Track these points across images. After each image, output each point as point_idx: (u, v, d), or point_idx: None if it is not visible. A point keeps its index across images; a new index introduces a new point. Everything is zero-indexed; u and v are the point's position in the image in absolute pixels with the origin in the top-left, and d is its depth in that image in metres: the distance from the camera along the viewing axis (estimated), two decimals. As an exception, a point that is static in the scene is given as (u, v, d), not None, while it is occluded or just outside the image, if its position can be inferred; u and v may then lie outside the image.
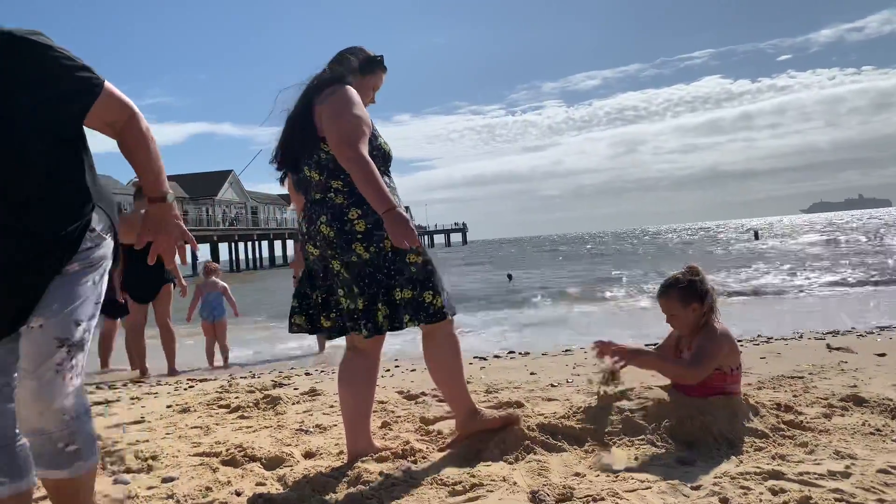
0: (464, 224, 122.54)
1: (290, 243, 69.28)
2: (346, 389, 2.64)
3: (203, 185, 57.28)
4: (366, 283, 2.43)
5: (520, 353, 5.79)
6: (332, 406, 3.64)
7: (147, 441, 3.12)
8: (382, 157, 2.54)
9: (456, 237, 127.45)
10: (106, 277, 1.74)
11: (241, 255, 58.57)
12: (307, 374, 5.13)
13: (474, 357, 5.60)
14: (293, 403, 3.80)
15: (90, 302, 1.66)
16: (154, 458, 2.82)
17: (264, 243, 63.10)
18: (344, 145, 2.33)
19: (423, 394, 3.81)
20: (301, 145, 2.53)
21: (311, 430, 3.18)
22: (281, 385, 4.47)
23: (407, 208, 2.60)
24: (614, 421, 2.62)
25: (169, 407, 3.94)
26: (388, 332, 2.52)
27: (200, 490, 2.41)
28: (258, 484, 2.45)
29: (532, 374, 4.43)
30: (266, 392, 4.08)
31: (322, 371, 5.22)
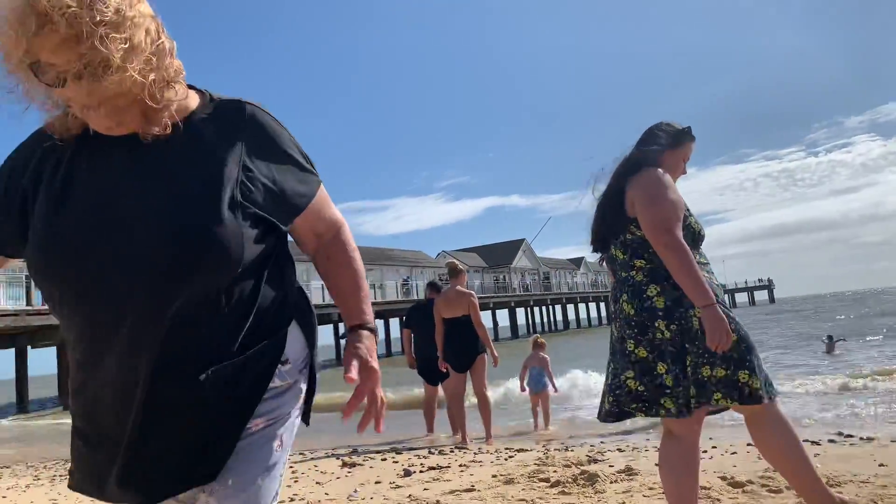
0: (769, 280, 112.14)
1: (582, 307, 69.72)
2: (665, 476, 2.57)
3: (499, 255, 60.87)
4: (671, 362, 2.38)
5: (860, 438, 5.10)
6: (650, 488, 3.59)
7: (480, 510, 3.40)
8: (692, 236, 2.51)
9: (761, 295, 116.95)
10: (296, 424, 1.28)
11: (537, 319, 60.33)
12: (619, 450, 5.10)
13: (803, 441, 5.06)
14: (611, 482, 3.82)
15: (276, 475, 1.21)
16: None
17: (557, 307, 64.36)
18: (659, 232, 2.36)
19: (751, 482, 3.57)
20: (610, 227, 2.61)
21: (634, 512, 3.17)
22: (595, 461, 4.53)
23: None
24: None
25: (494, 476, 4.23)
26: (703, 414, 2.44)
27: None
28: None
29: (882, 465, 3.88)
30: (582, 468, 4.17)
31: (634, 448, 5.16)
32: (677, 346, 2.39)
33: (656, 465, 4.23)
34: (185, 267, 1.07)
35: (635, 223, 2.49)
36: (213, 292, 1.11)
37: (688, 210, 2.55)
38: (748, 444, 4.70)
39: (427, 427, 7.43)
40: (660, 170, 2.53)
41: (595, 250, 2.79)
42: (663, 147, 2.64)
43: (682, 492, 2.51)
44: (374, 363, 1.26)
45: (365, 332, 1.29)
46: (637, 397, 2.44)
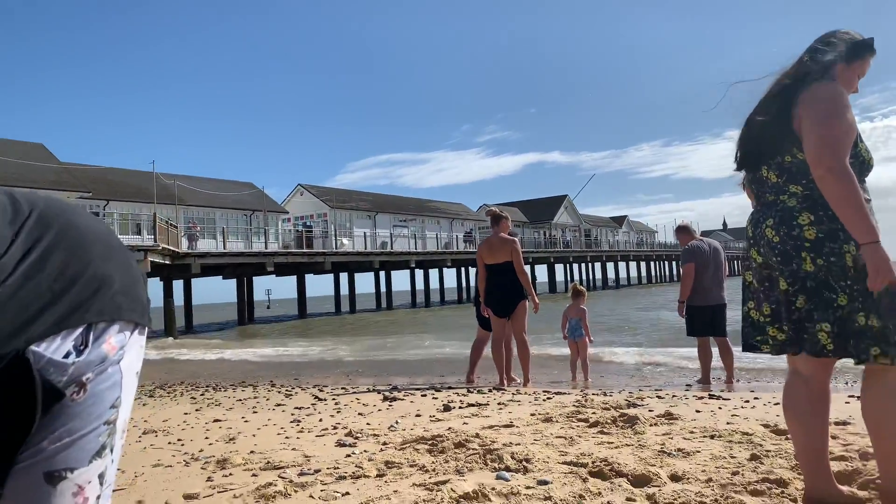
0: None
1: (622, 266, 69.09)
2: (791, 421, 2.32)
3: (540, 210, 60.56)
4: (807, 299, 2.13)
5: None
6: (691, 432, 3.59)
7: (518, 444, 3.43)
8: (860, 166, 2.19)
9: None
10: (122, 382, 0.90)
11: (576, 276, 60.20)
12: (659, 396, 5.10)
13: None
14: (651, 425, 3.83)
15: (93, 431, 0.87)
16: (528, 460, 3.10)
17: (597, 265, 64.05)
18: (825, 155, 2.06)
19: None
20: (769, 144, 2.28)
21: (674, 453, 3.18)
22: (635, 405, 4.53)
23: None
24: None
25: (533, 415, 4.27)
26: (838, 358, 2.15)
27: (574, 497, 2.57)
28: (628, 500, 2.53)
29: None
30: (622, 411, 4.18)
31: (674, 396, 5.15)
32: (818, 284, 2.12)
33: (697, 411, 4.25)
34: None
35: (799, 144, 2.19)
36: None
37: (859, 135, 2.23)
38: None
39: (470, 369, 7.46)
40: (838, 85, 2.20)
41: (740, 169, 2.45)
42: (839, 58, 2.29)
43: (809, 437, 2.27)
44: None
45: None
46: (792, 331, 2.20)
